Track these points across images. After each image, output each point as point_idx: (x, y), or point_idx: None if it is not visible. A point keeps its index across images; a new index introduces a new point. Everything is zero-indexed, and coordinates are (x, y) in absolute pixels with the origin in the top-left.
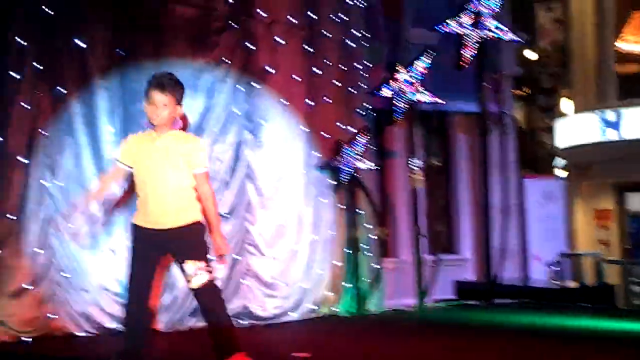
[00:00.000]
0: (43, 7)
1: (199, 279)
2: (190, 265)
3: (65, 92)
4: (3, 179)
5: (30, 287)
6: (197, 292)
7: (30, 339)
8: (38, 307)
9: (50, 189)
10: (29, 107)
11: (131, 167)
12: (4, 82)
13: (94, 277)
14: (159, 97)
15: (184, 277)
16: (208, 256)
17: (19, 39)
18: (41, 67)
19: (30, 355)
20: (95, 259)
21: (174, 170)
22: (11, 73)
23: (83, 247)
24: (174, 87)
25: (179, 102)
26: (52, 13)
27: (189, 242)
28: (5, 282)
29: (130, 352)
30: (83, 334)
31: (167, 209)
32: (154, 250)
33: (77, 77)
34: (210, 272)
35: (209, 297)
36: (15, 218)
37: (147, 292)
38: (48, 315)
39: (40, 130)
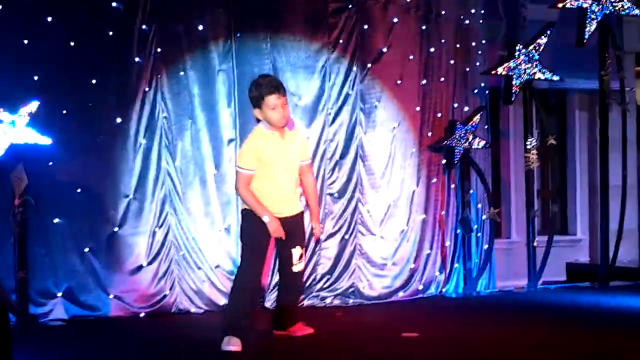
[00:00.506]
0: None
1: (301, 264)
2: (297, 250)
3: (184, 75)
4: (124, 159)
5: (146, 265)
6: (296, 275)
7: (143, 314)
8: (153, 284)
9: (168, 170)
10: (148, 90)
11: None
12: (127, 65)
13: (207, 255)
14: (279, 99)
15: (289, 261)
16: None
17: (142, 24)
18: (162, 51)
19: (145, 329)
20: (210, 238)
21: (295, 165)
22: (134, 57)
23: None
24: (284, 88)
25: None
26: None
27: (299, 229)
28: (124, 259)
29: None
30: (195, 310)
31: (289, 199)
32: (269, 235)
33: (196, 61)
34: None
35: (301, 280)
36: (134, 197)
37: (261, 272)
38: (164, 292)
39: (160, 112)
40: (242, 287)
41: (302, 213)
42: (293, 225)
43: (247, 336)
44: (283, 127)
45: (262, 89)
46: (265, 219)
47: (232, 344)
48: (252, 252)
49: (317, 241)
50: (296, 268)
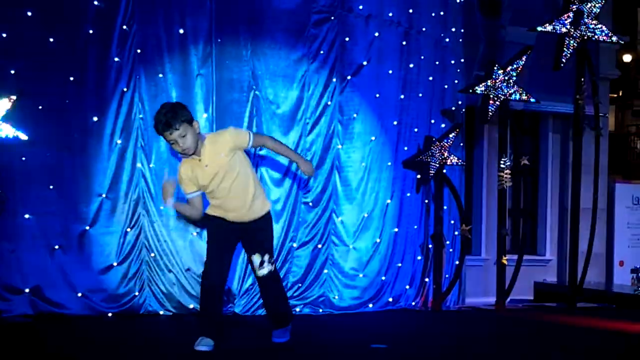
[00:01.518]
0: None
1: (264, 269)
2: (257, 257)
3: (163, 77)
4: (98, 158)
5: (116, 265)
6: (263, 279)
7: (111, 314)
8: (123, 284)
9: (143, 171)
10: (126, 90)
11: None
12: (106, 65)
13: (179, 258)
14: (171, 136)
15: (253, 267)
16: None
17: (122, 24)
18: (141, 52)
19: (112, 330)
20: (181, 241)
21: (233, 174)
22: (114, 57)
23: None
24: (178, 117)
25: (190, 121)
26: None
27: (261, 234)
28: (94, 258)
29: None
30: (163, 313)
31: (247, 205)
32: (230, 236)
33: (175, 63)
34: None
35: (272, 283)
36: (107, 197)
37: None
38: (133, 293)
39: (137, 113)
40: (206, 287)
41: (265, 216)
42: (252, 231)
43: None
44: (194, 154)
45: (155, 127)
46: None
47: (204, 344)
48: (210, 252)
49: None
50: (260, 273)
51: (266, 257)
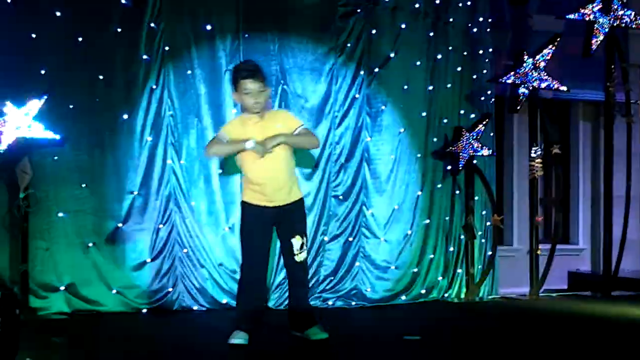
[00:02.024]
0: None
1: (303, 254)
2: (297, 240)
3: (191, 74)
4: (129, 155)
5: (150, 261)
6: (299, 266)
7: (145, 311)
8: (156, 280)
9: (174, 167)
10: (155, 87)
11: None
12: (135, 62)
13: (211, 254)
14: (254, 85)
15: (291, 251)
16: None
17: (150, 22)
18: (170, 49)
19: (147, 327)
20: (213, 236)
21: (281, 148)
22: (142, 54)
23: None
24: (262, 73)
25: (267, 84)
26: None
27: (297, 217)
28: (127, 255)
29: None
30: (197, 308)
31: (281, 186)
32: (268, 227)
33: (204, 60)
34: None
35: (305, 272)
36: (139, 194)
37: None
38: (167, 289)
39: (166, 110)
40: (246, 280)
41: (300, 200)
42: (290, 214)
43: (257, 332)
44: (259, 113)
45: (239, 73)
46: (249, 144)
47: (238, 338)
48: (249, 244)
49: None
50: (298, 258)
51: (304, 240)
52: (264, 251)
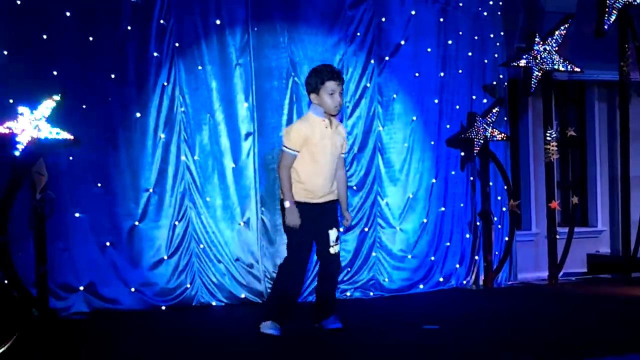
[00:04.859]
0: None
1: (337, 246)
2: (334, 232)
3: (202, 69)
4: (143, 153)
5: (167, 258)
6: (333, 258)
7: (164, 308)
8: (174, 277)
9: (188, 164)
10: (167, 84)
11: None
12: (146, 60)
13: (227, 249)
14: (338, 87)
15: (327, 242)
16: None
17: (159, 19)
18: (180, 46)
19: (167, 323)
20: (229, 232)
21: (336, 154)
22: (152, 52)
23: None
24: (343, 79)
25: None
26: None
27: (334, 213)
28: (144, 253)
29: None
30: (216, 303)
31: (329, 186)
32: (310, 221)
33: (214, 55)
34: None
35: (337, 265)
36: (154, 191)
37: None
38: (185, 286)
39: (178, 107)
40: (290, 273)
41: (337, 200)
42: (329, 210)
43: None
44: (334, 116)
45: (323, 74)
46: (287, 204)
47: (272, 328)
48: (298, 240)
49: (347, 229)
50: (333, 250)
51: (339, 234)
52: (307, 247)
